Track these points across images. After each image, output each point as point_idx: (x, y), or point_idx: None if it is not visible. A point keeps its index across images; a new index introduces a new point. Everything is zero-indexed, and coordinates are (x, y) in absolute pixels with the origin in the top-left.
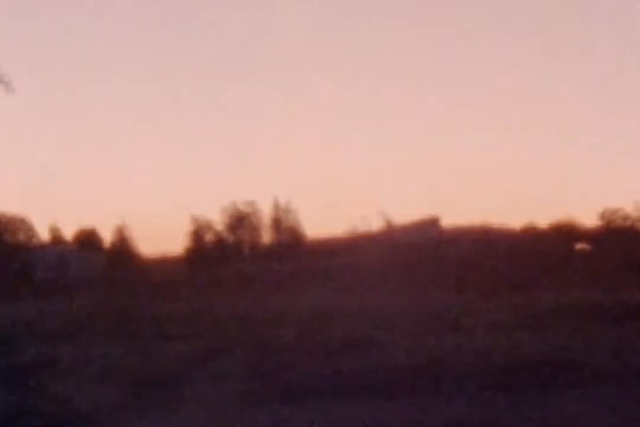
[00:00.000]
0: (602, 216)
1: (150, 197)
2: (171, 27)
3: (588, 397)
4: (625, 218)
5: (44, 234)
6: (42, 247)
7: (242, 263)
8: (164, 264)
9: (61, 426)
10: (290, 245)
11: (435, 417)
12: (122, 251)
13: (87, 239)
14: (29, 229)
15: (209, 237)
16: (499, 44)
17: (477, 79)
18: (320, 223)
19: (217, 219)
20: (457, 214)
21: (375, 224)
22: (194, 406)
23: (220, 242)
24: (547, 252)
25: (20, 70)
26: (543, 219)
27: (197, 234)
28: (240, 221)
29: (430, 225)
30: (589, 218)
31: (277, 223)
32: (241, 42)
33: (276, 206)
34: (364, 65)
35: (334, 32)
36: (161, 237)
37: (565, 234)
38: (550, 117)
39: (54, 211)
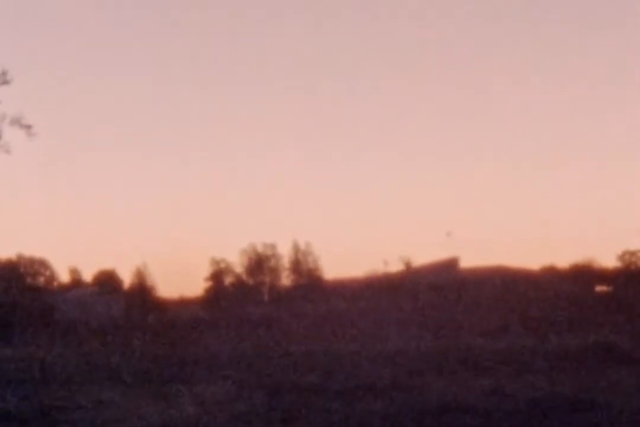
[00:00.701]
0: (622, 257)
1: (170, 239)
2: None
3: None
4: None
5: (64, 275)
6: (63, 289)
7: (262, 305)
8: (183, 306)
9: None
10: (310, 287)
11: None
12: (142, 292)
13: (107, 281)
14: (50, 271)
15: (228, 279)
16: (522, 93)
17: (497, 123)
18: (340, 266)
19: (237, 261)
20: (477, 256)
21: (395, 267)
22: None
23: (239, 284)
24: (567, 294)
25: (39, 115)
26: (563, 261)
27: (217, 276)
28: (260, 263)
29: (449, 267)
30: (608, 260)
31: (296, 265)
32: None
33: (296, 248)
34: (385, 105)
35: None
36: (181, 279)
37: (585, 275)
38: (570, 159)
39: (74, 253)
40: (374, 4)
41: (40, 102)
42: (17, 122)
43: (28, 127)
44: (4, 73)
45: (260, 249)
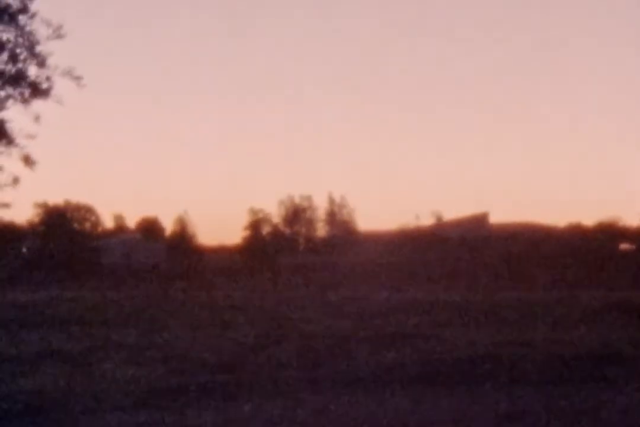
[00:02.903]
0: None
1: (211, 189)
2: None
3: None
4: None
5: (108, 221)
6: (108, 235)
7: (298, 254)
8: (222, 254)
9: (121, 408)
10: (344, 238)
11: (487, 407)
12: (182, 240)
13: (150, 228)
14: (95, 217)
15: (266, 229)
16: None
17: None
18: (373, 218)
19: (274, 212)
20: (506, 211)
21: (426, 220)
22: (255, 392)
23: (276, 234)
24: (591, 251)
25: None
26: (588, 219)
27: (255, 226)
28: (297, 214)
29: (479, 221)
30: (633, 219)
31: (331, 217)
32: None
33: (331, 201)
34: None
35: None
36: (220, 227)
37: (610, 233)
38: (596, 122)
39: (119, 200)
40: None
41: (91, 55)
42: (68, 73)
43: (78, 78)
44: (59, 27)
45: (297, 200)
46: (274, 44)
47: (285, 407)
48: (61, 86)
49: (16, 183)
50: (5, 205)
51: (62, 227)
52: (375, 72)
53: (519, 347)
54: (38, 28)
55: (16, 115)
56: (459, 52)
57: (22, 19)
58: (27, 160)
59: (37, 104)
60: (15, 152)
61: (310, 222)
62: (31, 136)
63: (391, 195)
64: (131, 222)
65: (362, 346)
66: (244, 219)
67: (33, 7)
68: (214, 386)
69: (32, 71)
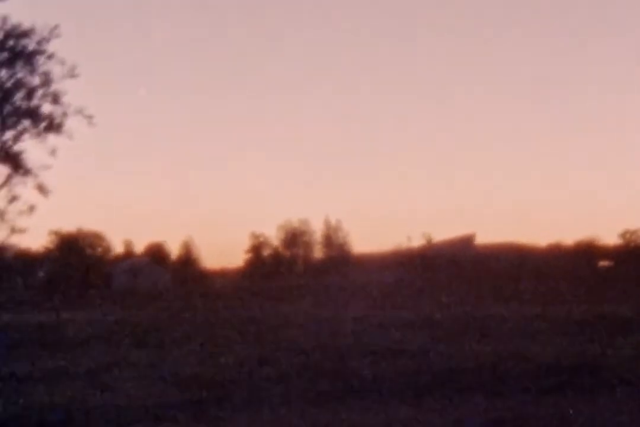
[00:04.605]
0: (623, 236)
1: (214, 215)
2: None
3: (608, 399)
4: None
5: (118, 247)
6: (118, 259)
7: (296, 276)
8: (224, 276)
9: (132, 422)
10: (340, 260)
11: (476, 416)
12: (187, 263)
13: (157, 252)
14: (106, 243)
15: (266, 252)
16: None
17: (508, 108)
18: (368, 241)
19: (274, 236)
20: (492, 232)
21: (417, 242)
22: (255, 406)
23: (276, 256)
24: (571, 269)
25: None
26: (568, 239)
27: (256, 249)
28: (295, 237)
29: (467, 242)
30: (610, 238)
31: (328, 240)
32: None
33: (327, 224)
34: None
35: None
36: (223, 251)
37: (588, 252)
38: (576, 142)
39: (128, 227)
40: None
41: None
42: (80, 112)
43: (89, 117)
44: (73, 68)
45: (295, 224)
46: (271, 74)
47: (284, 420)
48: (73, 121)
49: (32, 211)
50: (21, 231)
51: (75, 253)
52: (365, 101)
53: (506, 359)
54: (53, 68)
55: (31, 148)
56: (448, 76)
57: (38, 58)
58: (42, 189)
59: (51, 138)
60: (30, 182)
61: (308, 245)
62: (46, 167)
63: (384, 219)
64: (139, 247)
65: (358, 360)
66: (246, 243)
67: (49, 48)
68: (218, 401)
69: (47, 108)
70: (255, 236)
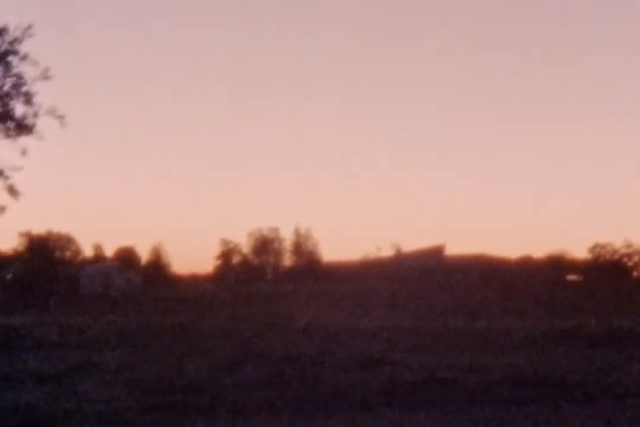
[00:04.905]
0: (592, 250)
1: (185, 221)
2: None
3: (572, 413)
4: (614, 253)
5: (88, 250)
6: (86, 263)
7: (265, 283)
8: (194, 282)
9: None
10: (309, 268)
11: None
12: (157, 268)
13: (127, 257)
14: (75, 247)
15: (236, 258)
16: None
17: (485, 122)
18: (337, 250)
19: (244, 243)
20: (461, 244)
21: (386, 252)
22: (224, 412)
23: (246, 263)
24: (541, 282)
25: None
26: (538, 252)
27: (226, 256)
28: (265, 245)
29: (436, 253)
30: (580, 252)
31: (297, 248)
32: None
33: (297, 232)
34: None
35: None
36: (193, 257)
37: (558, 265)
38: (547, 156)
39: (98, 230)
40: None
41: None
42: (52, 112)
43: (61, 117)
44: (47, 70)
45: (265, 232)
46: (247, 82)
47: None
48: (45, 123)
49: (2, 212)
50: None
51: (44, 255)
52: (336, 112)
53: (473, 371)
54: (26, 69)
55: (1, 149)
56: (420, 88)
57: (11, 59)
58: (12, 191)
59: (23, 139)
60: (0, 183)
61: (278, 253)
62: (17, 168)
63: (353, 228)
64: (109, 251)
65: (327, 369)
66: (215, 250)
67: (22, 49)
68: (185, 406)
69: (19, 109)
70: (225, 243)
